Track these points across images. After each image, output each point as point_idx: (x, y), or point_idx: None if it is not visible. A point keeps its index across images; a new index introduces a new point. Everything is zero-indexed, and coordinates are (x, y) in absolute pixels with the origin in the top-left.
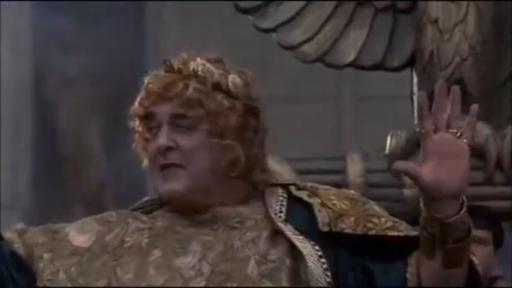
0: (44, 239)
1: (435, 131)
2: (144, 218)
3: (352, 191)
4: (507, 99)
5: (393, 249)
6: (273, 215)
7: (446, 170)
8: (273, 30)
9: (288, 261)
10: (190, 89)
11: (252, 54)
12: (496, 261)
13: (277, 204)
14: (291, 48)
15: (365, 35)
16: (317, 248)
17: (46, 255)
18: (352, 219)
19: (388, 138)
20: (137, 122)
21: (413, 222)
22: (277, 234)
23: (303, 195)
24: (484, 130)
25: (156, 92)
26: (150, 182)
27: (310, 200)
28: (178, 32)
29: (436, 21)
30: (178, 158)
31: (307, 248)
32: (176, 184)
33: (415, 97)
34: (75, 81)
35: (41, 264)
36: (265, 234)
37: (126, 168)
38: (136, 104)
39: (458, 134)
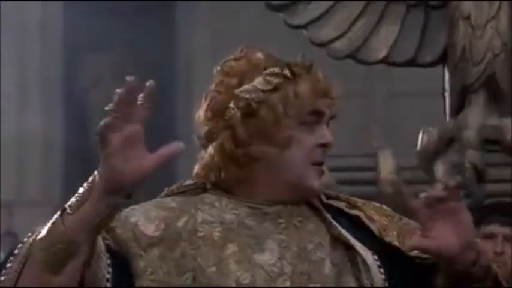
0: (129, 234)
1: None
2: (207, 207)
3: (385, 207)
4: None
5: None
6: (330, 220)
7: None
8: (304, 27)
9: (348, 265)
10: (336, 91)
11: (283, 52)
12: None
13: (322, 211)
14: (322, 45)
15: (397, 32)
16: (375, 257)
17: (143, 252)
18: (395, 232)
19: (420, 135)
20: (299, 110)
21: None
22: (334, 239)
23: (340, 205)
24: None
25: (325, 90)
26: (292, 169)
27: (353, 212)
28: (208, 32)
29: (468, 18)
30: (325, 157)
31: (368, 256)
32: (319, 182)
33: (447, 93)
34: (104, 80)
35: (142, 263)
36: (327, 238)
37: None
38: (307, 92)
39: None
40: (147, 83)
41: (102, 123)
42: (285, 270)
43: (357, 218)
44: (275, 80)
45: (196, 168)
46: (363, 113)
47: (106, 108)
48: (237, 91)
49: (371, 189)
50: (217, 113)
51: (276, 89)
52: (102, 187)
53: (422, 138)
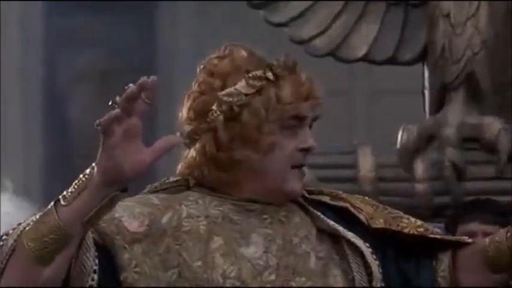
0: (113, 228)
1: None
2: (191, 203)
3: (368, 198)
4: None
5: (422, 249)
6: (316, 213)
7: None
8: (285, 24)
9: (336, 258)
10: (320, 90)
11: (263, 50)
12: None
13: (305, 205)
14: (302, 42)
15: (377, 29)
16: (367, 244)
17: (127, 245)
18: (382, 220)
19: (400, 133)
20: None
21: (424, 216)
22: (321, 232)
23: (324, 199)
24: (496, 124)
25: (308, 92)
26: (273, 174)
27: (340, 203)
28: (190, 27)
29: (448, 15)
30: (306, 159)
31: (360, 244)
32: (301, 185)
33: (426, 91)
34: (85, 75)
35: (126, 256)
36: (313, 231)
37: None
38: (289, 96)
39: None
40: (150, 79)
41: (109, 115)
42: (271, 263)
43: (344, 209)
44: (257, 83)
45: (180, 167)
46: (343, 111)
47: (112, 101)
48: (219, 94)
49: (350, 187)
50: (199, 114)
51: (258, 92)
52: (100, 179)
53: (401, 135)
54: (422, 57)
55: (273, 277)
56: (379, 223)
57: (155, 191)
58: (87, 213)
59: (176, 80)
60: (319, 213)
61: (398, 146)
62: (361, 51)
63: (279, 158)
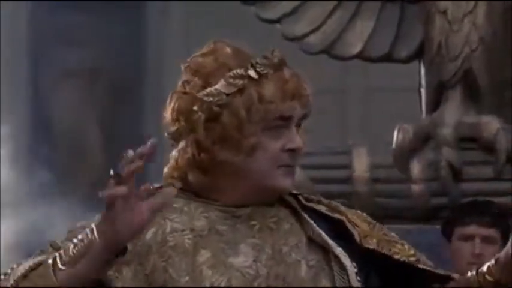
0: None
1: None
2: (176, 216)
3: (365, 215)
4: None
5: (409, 278)
6: (308, 221)
7: None
8: (277, 21)
9: (326, 268)
10: (308, 87)
11: (256, 47)
12: None
13: (299, 211)
14: (295, 39)
15: (372, 26)
16: (354, 264)
17: (117, 273)
18: (375, 240)
19: (395, 132)
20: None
21: (420, 218)
22: (311, 241)
23: (320, 208)
24: (494, 123)
25: (293, 91)
26: (257, 175)
27: (335, 216)
28: (180, 24)
29: (445, 12)
30: (297, 159)
31: (346, 260)
32: (291, 183)
33: (423, 89)
34: (73, 74)
35: (119, 284)
36: (304, 240)
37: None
38: (272, 95)
39: None
40: (149, 145)
41: (114, 191)
42: (260, 273)
43: (339, 221)
44: (239, 82)
45: (165, 170)
46: (338, 109)
47: (113, 172)
48: (199, 94)
49: (345, 188)
50: (181, 114)
51: (239, 91)
52: (101, 244)
53: (397, 135)
54: (418, 54)
55: (263, 286)
56: (371, 243)
57: None
58: (88, 276)
59: (166, 80)
60: (311, 222)
61: (394, 145)
62: (356, 49)
63: (263, 159)
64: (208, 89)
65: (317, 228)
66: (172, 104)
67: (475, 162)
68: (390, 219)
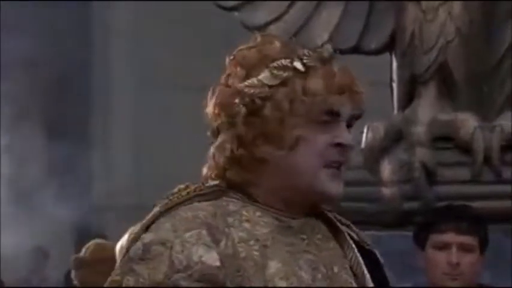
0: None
1: None
2: (236, 222)
3: None
4: (497, 86)
5: None
6: (350, 246)
7: None
8: (236, 9)
9: None
10: (360, 85)
11: (213, 35)
12: (483, 267)
13: (345, 236)
14: (255, 28)
15: (339, 15)
16: None
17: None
18: None
19: (365, 131)
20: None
21: (391, 223)
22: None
23: (353, 235)
24: (471, 122)
25: (342, 85)
26: (301, 172)
27: (366, 246)
28: (126, 13)
29: (418, 0)
30: (346, 157)
31: None
32: (340, 191)
33: (394, 84)
34: (13, 64)
35: None
36: (347, 263)
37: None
38: (318, 88)
39: None
40: None
41: None
42: None
43: (370, 252)
44: (283, 74)
45: (204, 170)
46: None
47: None
48: (240, 86)
49: None
50: (223, 108)
51: (283, 83)
52: None
53: (367, 134)
54: (389, 46)
55: None
56: None
57: (195, 196)
58: None
59: (112, 73)
60: (354, 247)
61: (363, 145)
62: (322, 39)
63: (307, 154)
64: (251, 80)
65: (359, 258)
66: (214, 99)
67: (451, 163)
68: (359, 225)
